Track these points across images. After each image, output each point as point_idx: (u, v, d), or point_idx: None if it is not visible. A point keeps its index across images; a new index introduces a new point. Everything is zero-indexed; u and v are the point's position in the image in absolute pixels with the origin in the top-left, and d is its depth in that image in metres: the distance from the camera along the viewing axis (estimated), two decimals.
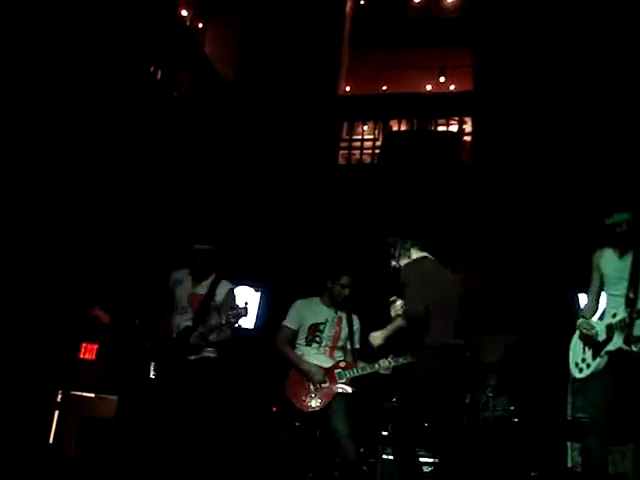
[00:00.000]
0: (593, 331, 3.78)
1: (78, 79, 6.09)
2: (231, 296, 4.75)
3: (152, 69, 7.53)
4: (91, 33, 6.10)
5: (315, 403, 4.52)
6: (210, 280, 4.82)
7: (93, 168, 6.42)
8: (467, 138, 10.18)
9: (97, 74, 6.23)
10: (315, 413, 4.52)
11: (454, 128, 10.47)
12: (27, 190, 5.63)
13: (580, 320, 3.91)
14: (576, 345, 3.94)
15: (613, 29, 8.48)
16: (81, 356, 6.49)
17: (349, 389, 4.59)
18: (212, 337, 4.59)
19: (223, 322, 4.52)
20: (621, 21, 8.40)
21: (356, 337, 4.83)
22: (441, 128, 10.29)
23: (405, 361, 4.46)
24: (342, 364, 4.69)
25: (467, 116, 10.07)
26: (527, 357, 7.22)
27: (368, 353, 4.73)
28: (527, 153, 8.64)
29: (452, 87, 11.33)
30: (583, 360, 3.83)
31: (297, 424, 4.69)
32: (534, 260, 8.08)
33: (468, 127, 10.26)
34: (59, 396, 6.17)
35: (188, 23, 9.39)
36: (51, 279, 5.92)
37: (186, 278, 4.89)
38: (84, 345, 6.52)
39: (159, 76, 7.80)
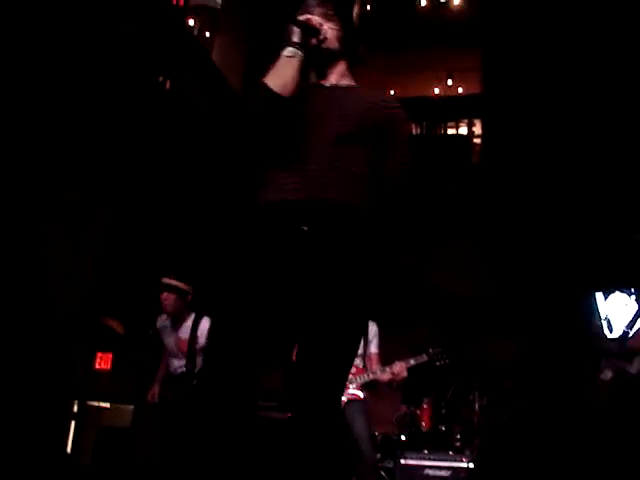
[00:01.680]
0: None
1: (89, 89, 6.14)
2: None
3: (161, 79, 7.54)
4: (102, 43, 6.14)
5: None
6: (190, 322, 4.85)
7: (105, 178, 6.45)
8: (477, 140, 10.16)
9: (108, 85, 6.28)
10: None
11: (463, 130, 10.45)
12: (41, 199, 5.67)
13: None
14: None
15: (622, 29, 8.45)
16: (97, 366, 6.52)
17: (360, 394, 4.57)
18: None
19: None
20: (631, 20, 8.37)
21: (373, 343, 4.78)
22: (450, 131, 10.27)
23: (420, 361, 4.47)
24: (352, 370, 4.68)
25: (476, 118, 10.04)
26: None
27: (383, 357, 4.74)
28: (537, 155, 8.62)
29: (460, 90, 11.32)
30: None
31: None
32: (543, 261, 8.07)
33: (478, 129, 10.24)
34: (75, 406, 6.19)
35: (196, 32, 9.43)
36: (66, 289, 5.95)
37: (168, 323, 4.95)
38: (99, 355, 6.54)
39: (168, 85, 7.81)
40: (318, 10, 2.33)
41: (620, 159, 7.87)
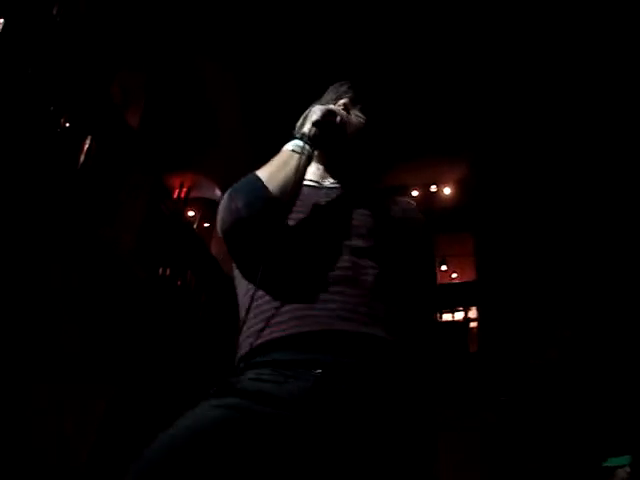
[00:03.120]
0: None
1: (94, 284, 6.25)
2: None
3: (161, 271, 7.67)
4: (106, 242, 6.33)
5: None
6: None
7: (107, 377, 6.40)
8: (473, 324, 10.16)
9: (111, 280, 6.41)
10: None
11: (459, 315, 10.46)
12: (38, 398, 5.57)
13: None
14: None
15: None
16: None
17: None
18: None
19: None
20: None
21: None
22: (446, 316, 10.29)
23: None
24: None
25: (472, 305, 10.11)
26: None
27: None
28: (537, 337, 8.64)
29: (454, 275, 11.48)
30: None
31: None
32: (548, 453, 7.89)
33: (473, 313, 10.26)
34: None
35: (195, 225, 9.70)
36: None
37: None
38: None
39: (168, 274, 7.93)
40: (349, 95, 1.80)
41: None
